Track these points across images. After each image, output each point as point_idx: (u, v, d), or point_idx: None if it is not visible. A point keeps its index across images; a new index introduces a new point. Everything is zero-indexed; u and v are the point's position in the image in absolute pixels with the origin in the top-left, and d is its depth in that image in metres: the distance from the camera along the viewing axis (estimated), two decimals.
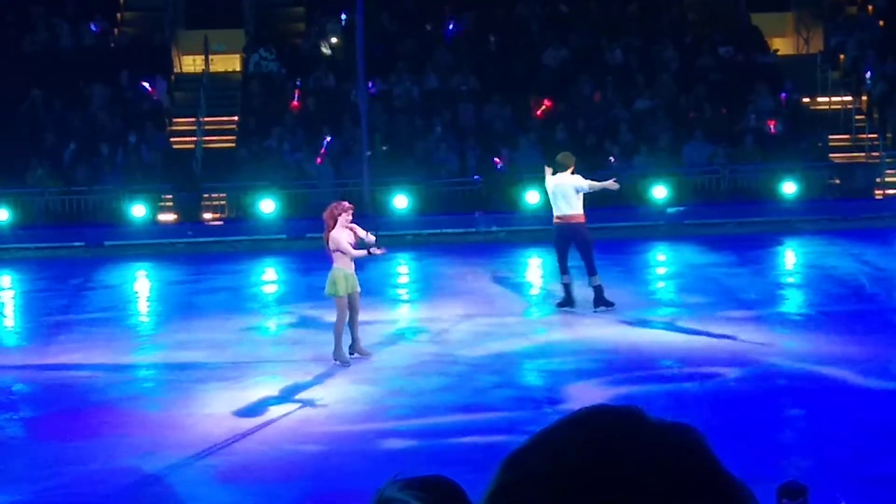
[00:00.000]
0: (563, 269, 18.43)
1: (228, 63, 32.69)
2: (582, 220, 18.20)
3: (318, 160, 27.99)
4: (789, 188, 27.07)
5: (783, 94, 30.00)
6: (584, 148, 28.47)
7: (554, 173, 18.35)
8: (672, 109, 29.50)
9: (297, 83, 30.17)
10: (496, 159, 27.99)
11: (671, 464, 1.30)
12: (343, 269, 15.73)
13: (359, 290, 16.00)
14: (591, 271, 18.36)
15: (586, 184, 18.17)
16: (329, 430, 13.32)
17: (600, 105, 29.55)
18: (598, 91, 29.77)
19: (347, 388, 14.88)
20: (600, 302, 18.37)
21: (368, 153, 22.01)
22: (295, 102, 29.93)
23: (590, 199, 27.43)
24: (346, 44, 30.96)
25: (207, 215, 27.99)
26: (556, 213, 18.26)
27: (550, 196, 18.38)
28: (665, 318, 18.52)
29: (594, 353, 16.14)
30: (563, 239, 18.37)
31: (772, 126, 29.01)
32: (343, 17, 31.39)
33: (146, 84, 30.12)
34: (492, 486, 1.35)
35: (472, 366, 15.73)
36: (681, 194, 27.12)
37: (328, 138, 28.14)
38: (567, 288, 18.48)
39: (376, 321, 18.36)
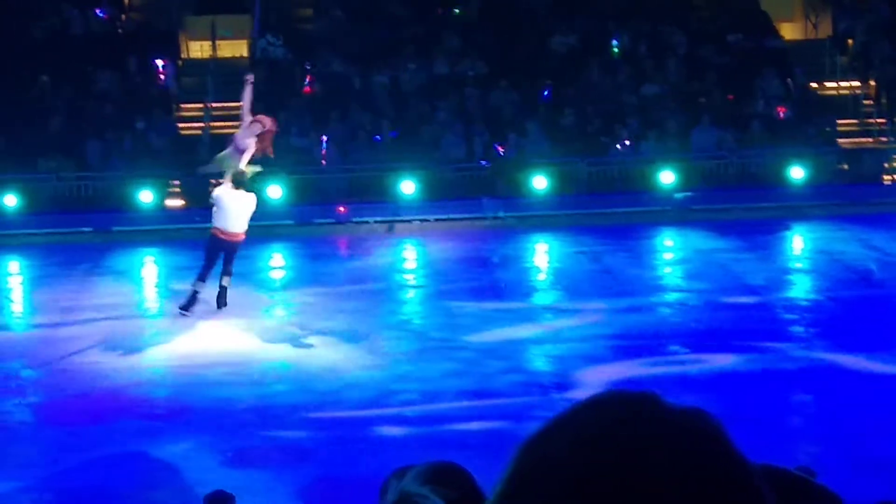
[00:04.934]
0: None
1: (235, 49, 32.66)
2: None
3: (323, 162, 27.99)
4: (797, 173, 27.01)
5: (789, 80, 29.94)
6: (591, 133, 28.48)
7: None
8: (680, 95, 29.44)
9: (308, 66, 30.16)
10: (498, 146, 27.93)
11: (689, 449, 1.30)
12: None
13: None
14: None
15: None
16: (336, 416, 13.33)
17: (608, 90, 29.50)
18: (605, 75, 29.73)
19: (354, 374, 14.89)
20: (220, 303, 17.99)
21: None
22: (307, 87, 29.93)
23: (595, 184, 27.60)
24: (352, 29, 30.91)
25: None
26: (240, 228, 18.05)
27: (237, 210, 18.03)
28: (672, 303, 18.52)
29: (601, 339, 16.14)
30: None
31: (781, 112, 28.96)
32: None
33: (159, 62, 30.11)
34: (508, 472, 1.35)
35: (480, 351, 15.73)
36: (688, 179, 27.06)
37: (325, 138, 28.10)
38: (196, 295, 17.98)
39: (384, 307, 18.40)
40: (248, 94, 18.38)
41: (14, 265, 24.06)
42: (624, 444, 1.29)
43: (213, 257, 18.13)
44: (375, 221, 25.73)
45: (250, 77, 19.18)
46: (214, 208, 18.13)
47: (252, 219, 26.86)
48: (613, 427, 1.31)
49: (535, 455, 1.33)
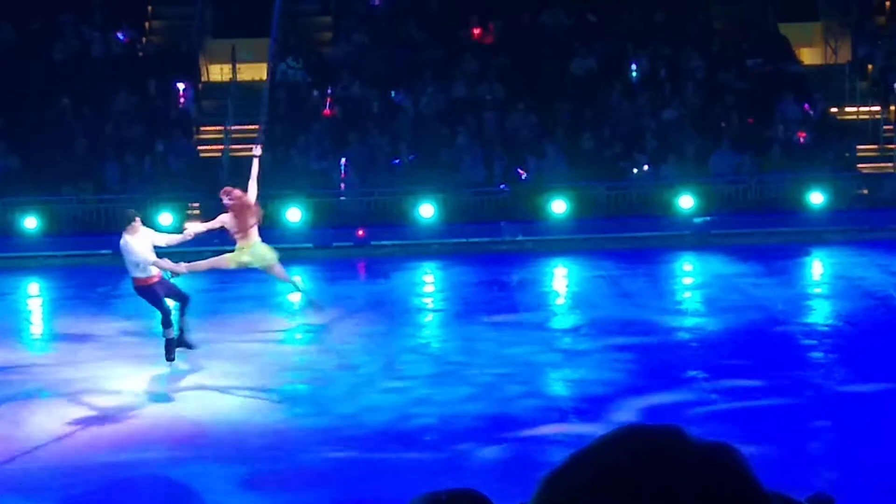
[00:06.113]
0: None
1: (255, 72, 32.77)
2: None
3: (342, 185, 28.05)
4: (817, 198, 26.95)
5: (806, 105, 29.89)
6: (610, 157, 28.47)
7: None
8: (699, 119, 29.42)
9: (329, 91, 30.25)
10: (520, 170, 27.95)
11: (712, 485, 1.29)
12: None
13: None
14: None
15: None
16: (354, 439, 13.31)
17: (627, 114, 29.50)
18: (624, 99, 29.72)
19: (373, 397, 14.87)
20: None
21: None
22: (327, 111, 30.01)
23: (614, 208, 27.59)
24: (371, 52, 30.98)
25: None
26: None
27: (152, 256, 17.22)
28: (691, 328, 18.47)
29: (620, 363, 16.10)
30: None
31: (801, 137, 28.92)
32: None
33: (181, 85, 30.23)
34: None
35: (498, 375, 15.71)
36: (708, 204, 27.03)
37: (344, 161, 28.17)
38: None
39: (403, 330, 18.40)
40: (255, 167, 17.66)
41: (34, 287, 24.12)
42: (648, 479, 1.29)
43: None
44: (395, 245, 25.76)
45: (258, 149, 18.63)
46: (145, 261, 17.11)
47: (271, 241, 26.99)
48: (638, 462, 1.31)
49: (559, 488, 1.33)
